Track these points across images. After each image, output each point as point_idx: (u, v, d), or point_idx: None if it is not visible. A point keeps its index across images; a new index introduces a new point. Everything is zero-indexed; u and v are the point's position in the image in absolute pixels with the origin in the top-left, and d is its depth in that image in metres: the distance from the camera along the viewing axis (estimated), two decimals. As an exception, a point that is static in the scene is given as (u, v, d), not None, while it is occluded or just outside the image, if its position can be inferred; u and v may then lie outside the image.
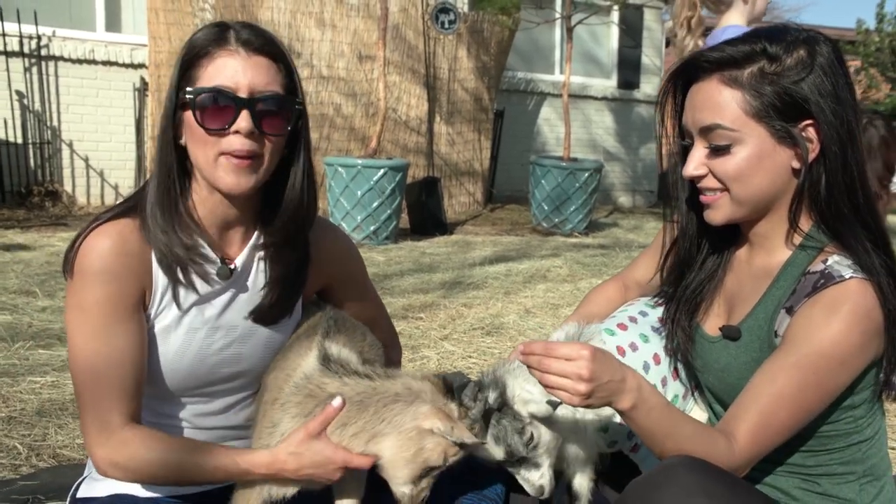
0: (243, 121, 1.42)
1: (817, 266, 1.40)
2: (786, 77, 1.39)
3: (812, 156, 1.40)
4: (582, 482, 1.76)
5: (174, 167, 1.50)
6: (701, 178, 1.47)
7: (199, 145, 1.46)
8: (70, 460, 2.60)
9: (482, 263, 6.56)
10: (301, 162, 1.56)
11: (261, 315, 1.60)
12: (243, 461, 1.45)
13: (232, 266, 1.56)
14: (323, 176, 8.13)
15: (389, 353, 1.86)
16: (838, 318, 1.33)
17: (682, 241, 1.64)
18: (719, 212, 1.48)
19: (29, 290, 4.86)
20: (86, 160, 9.04)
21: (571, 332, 1.74)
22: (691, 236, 1.62)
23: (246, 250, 1.59)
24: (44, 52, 8.72)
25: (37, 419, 2.90)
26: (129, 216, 1.50)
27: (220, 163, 1.45)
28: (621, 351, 1.71)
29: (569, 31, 9.67)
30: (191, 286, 1.52)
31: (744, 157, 1.42)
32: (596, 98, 12.79)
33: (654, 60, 13.04)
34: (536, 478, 1.62)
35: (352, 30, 9.45)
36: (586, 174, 9.14)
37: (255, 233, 1.60)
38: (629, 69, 13.00)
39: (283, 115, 1.48)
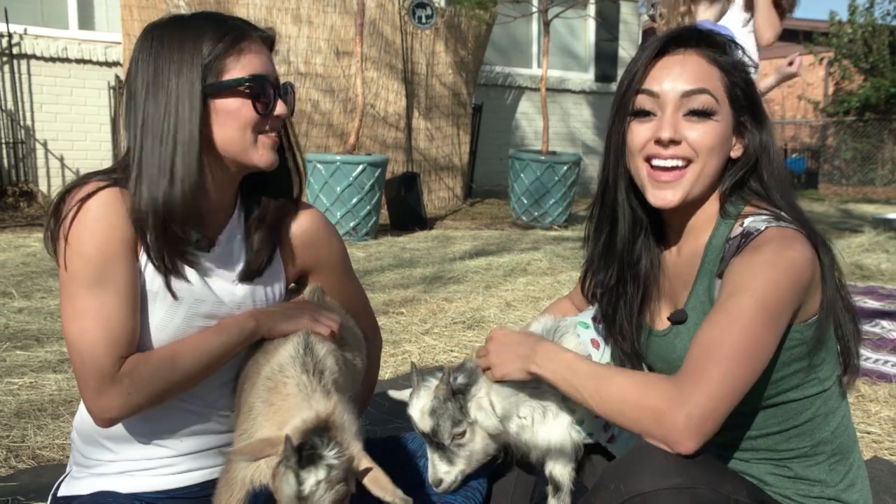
0: (280, 107, 1.59)
1: (736, 231, 1.46)
2: (744, 72, 1.51)
3: (743, 149, 1.53)
4: (563, 472, 1.78)
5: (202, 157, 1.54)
6: (673, 143, 1.47)
7: (241, 129, 1.55)
8: (50, 461, 2.58)
9: (462, 258, 6.57)
10: (291, 141, 1.72)
11: (248, 273, 1.66)
12: (225, 323, 1.59)
13: (214, 240, 1.61)
14: (301, 172, 8.08)
15: (370, 345, 1.87)
16: (762, 258, 1.37)
17: (614, 247, 1.62)
18: (679, 190, 1.48)
19: (5, 292, 4.81)
20: (61, 160, 8.94)
21: (548, 324, 1.76)
22: (624, 240, 1.61)
23: (228, 226, 1.64)
24: (15, 50, 8.61)
25: (15, 420, 2.87)
26: (118, 186, 1.51)
27: (261, 141, 1.57)
28: (595, 344, 1.74)
29: (546, 24, 9.69)
30: (181, 259, 1.56)
31: (721, 128, 1.48)
32: (574, 91, 12.83)
33: (631, 53, 13.10)
34: (442, 471, 1.64)
35: (328, 25, 9.42)
36: (565, 167, 9.18)
37: (237, 208, 1.67)
38: (606, 62, 13.05)
39: (292, 99, 1.64)
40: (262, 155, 1.57)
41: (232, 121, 1.53)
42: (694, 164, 1.47)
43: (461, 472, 1.67)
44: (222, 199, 1.63)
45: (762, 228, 1.41)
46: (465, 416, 1.61)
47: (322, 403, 1.33)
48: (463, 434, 1.62)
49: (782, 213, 1.45)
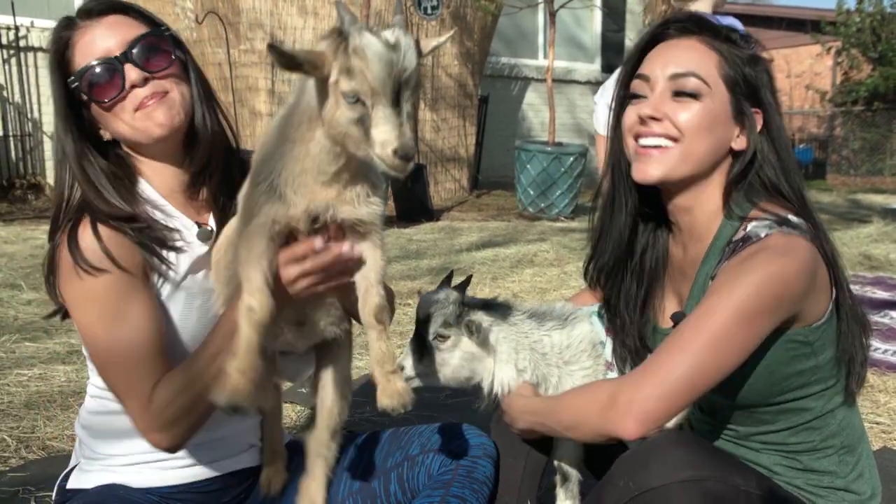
0: (132, 73, 1.46)
1: (739, 235, 1.45)
2: (753, 64, 1.50)
3: (747, 140, 1.50)
4: (571, 462, 1.78)
5: (93, 161, 1.49)
6: (655, 121, 1.48)
7: (117, 118, 1.48)
8: (59, 451, 2.59)
9: (469, 249, 6.57)
10: (196, 92, 1.57)
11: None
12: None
13: (209, 227, 1.59)
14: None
15: None
16: (752, 263, 1.35)
17: (615, 238, 1.63)
18: (661, 166, 1.48)
19: (14, 284, 4.82)
20: (68, 152, 8.96)
21: (567, 309, 1.77)
22: (628, 219, 1.61)
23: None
24: (22, 43, 8.62)
25: (25, 411, 2.89)
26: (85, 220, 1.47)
27: (139, 117, 1.48)
28: (609, 332, 1.74)
29: (552, 15, 9.64)
30: (173, 260, 1.53)
31: (707, 109, 1.47)
32: (580, 82, 12.79)
33: (638, 44, 13.06)
34: (408, 360, 1.66)
35: (335, 17, 9.38)
36: (571, 158, 9.16)
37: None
38: (613, 52, 12.99)
39: (160, 48, 1.51)
40: (150, 127, 1.48)
41: (106, 119, 1.50)
42: (679, 143, 1.47)
43: (423, 374, 1.67)
44: (188, 183, 1.58)
45: (762, 235, 1.40)
46: (456, 325, 1.64)
47: None
48: (445, 339, 1.64)
49: (789, 217, 1.42)
